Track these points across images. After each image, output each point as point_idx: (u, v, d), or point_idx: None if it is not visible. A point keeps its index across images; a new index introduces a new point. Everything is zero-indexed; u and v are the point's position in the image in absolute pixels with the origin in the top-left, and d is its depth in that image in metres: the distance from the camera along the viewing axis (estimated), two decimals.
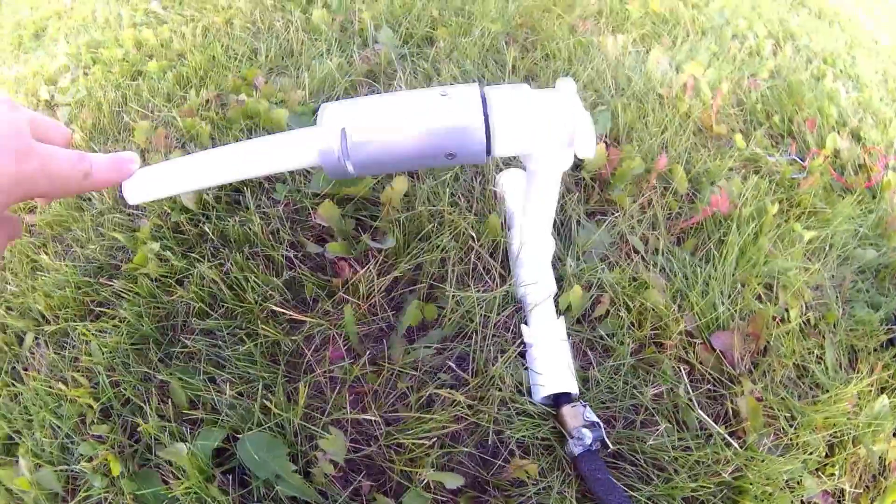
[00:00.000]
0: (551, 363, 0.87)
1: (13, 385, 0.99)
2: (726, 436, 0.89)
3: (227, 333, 0.92)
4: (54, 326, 1.03)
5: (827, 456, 0.99)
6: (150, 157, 1.23)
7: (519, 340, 0.92)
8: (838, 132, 1.86)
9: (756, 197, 1.32)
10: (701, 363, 0.98)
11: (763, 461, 0.88)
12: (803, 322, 1.16)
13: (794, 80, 2.03)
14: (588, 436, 0.80)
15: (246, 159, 0.63)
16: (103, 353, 0.95)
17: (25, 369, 1.01)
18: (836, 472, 0.97)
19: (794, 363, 1.06)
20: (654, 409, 0.91)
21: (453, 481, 0.78)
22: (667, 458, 0.86)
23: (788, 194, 1.46)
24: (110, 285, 1.04)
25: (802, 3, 3.83)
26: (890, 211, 1.64)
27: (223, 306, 0.95)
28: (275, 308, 0.92)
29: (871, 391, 1.08)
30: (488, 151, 0.63)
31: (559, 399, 0.85)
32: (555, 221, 1.11)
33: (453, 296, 0.92)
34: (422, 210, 1.00)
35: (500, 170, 1.15)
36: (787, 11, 3.23)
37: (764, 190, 1.37)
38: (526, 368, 0.89)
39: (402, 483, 0.80)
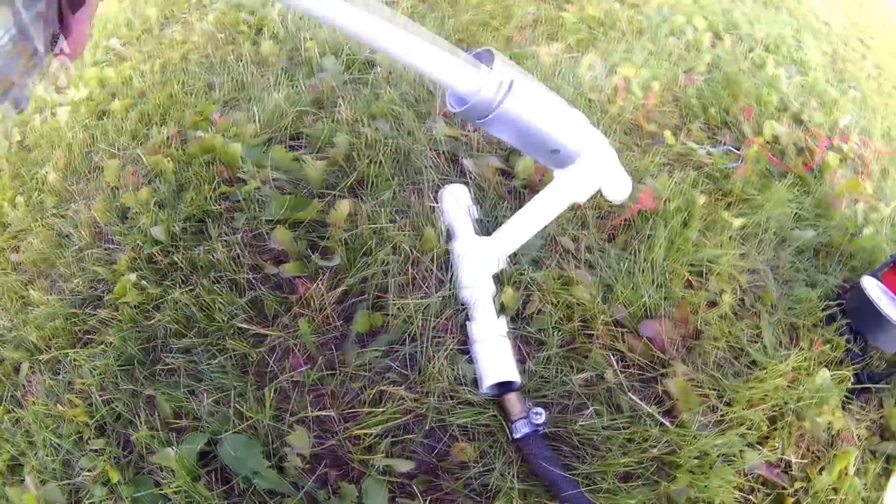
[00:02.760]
0: (495, 356, 1.01)
1: (14, 411, 1.12)
2: (656, 415, 1.03)
3: (202, 350, 1.06)
4: (48, 355, 1.16)
5: (769, 429, 1.11)
6: (121, 195, 1.35)
7: (459, 339, 1.06)
8: (778, 118, 1.98)
9: (683, 190, 1.45)
10: (630, 350, 1.11)
11: (695, 437, 1.01)
12: (738, 304, 1.29)
13: (731, 71, 2.14)
14: (537, 418, 0.94)
15: (412, 48, 0.76)
16: (94, 376, 1.08)
17: (24, 396, 1.14)
18: (779, 445, 1.09)
19: (728, 344, 1.19)
20: (585, 394, 1.04)
21: (404, 465, 0.93)
22: (598, 438, 0.99)
23: (720, 185, 1.59)
24: (95, 314, 1.17)
25: None
26: (830, 191, 1.74)
27: (196, 326, 1.09)
28: (241, 325, 1.05)
29: (811, 366, 1.21)
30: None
31: (503, 388, 0.99)
32: (487, 227, 1.25)
33: (394, 304, 1.06)
34: (364, 229, 1.14)
35: (439, 186, 1.28)
36: (731, 2, 3.36)
37: (690, 182, 1.50)
38: (470, 363, 1.03)
39: (361, 471, 0.95)
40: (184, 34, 1.98)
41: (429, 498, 0.91)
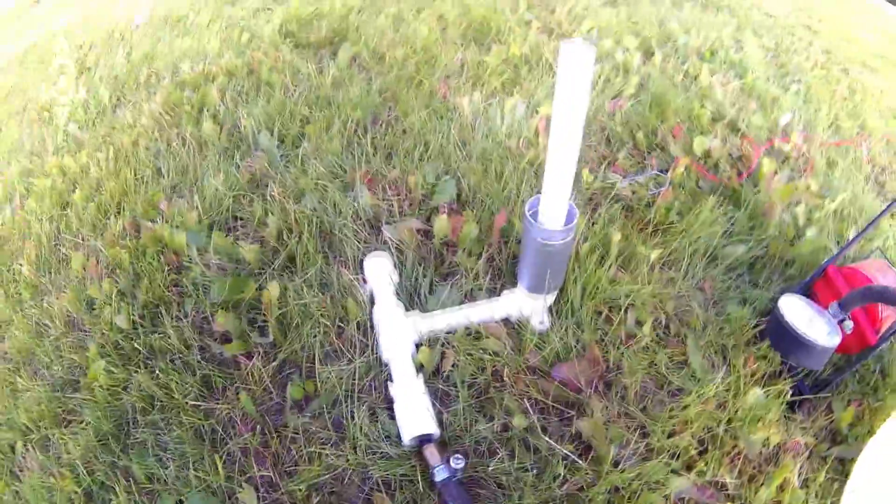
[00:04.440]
0: (413, 411, 1.22)
1: (13, 484, 1.37)
2: (568, 453, 1.19)
3: (164, 424, 1.31)
4: (38, 434, 1.40)
5: (699, 453, 1.22)
6: (87, 287, 1.59)
7: (383, 396, 1.30)
8: (712, 130, 2.07)
9: (597, 231, 1.58)
10: (545, 394, 1.29)
11: (607, 472, 1.15)
12: (664, 332, 1.42)
13: (660, 90, 2.24)
14: (457, 463, 1.15)
15: None
16: (78, 450, 1.32)
17: (21, 470, 1.38)
18: (710, 467, 1.19)
19: (651, 375, 1.32)
20: (499, 439, 1.23)
21: None
22: (508, 479, 1.18)
23: (642, 214, 1.71)
24: (74, 397, 1.42)
25: None
26: (766, 199, 1.80)
27: (159, 403, 1.34)
28: (194, 402, 1.30)
29: (742, 385, 1.31)
30: None
31: (424, 440, 1.21)
32: (408, 288, 1.49)
33: (322, 372, 1.31)
34: (293, 307, 1.39)
35: (364, 254, 1.52)
36: (668, 10, 3.46)
37: (606, 221, 1.62)
38: (392, 418, 1.26)
39: None
40: (134, 116, 2.22)
41: None
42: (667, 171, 1.89)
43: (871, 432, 1.30)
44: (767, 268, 1.68)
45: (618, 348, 1.36)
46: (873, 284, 1.24)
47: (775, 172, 1.95)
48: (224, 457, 1.25)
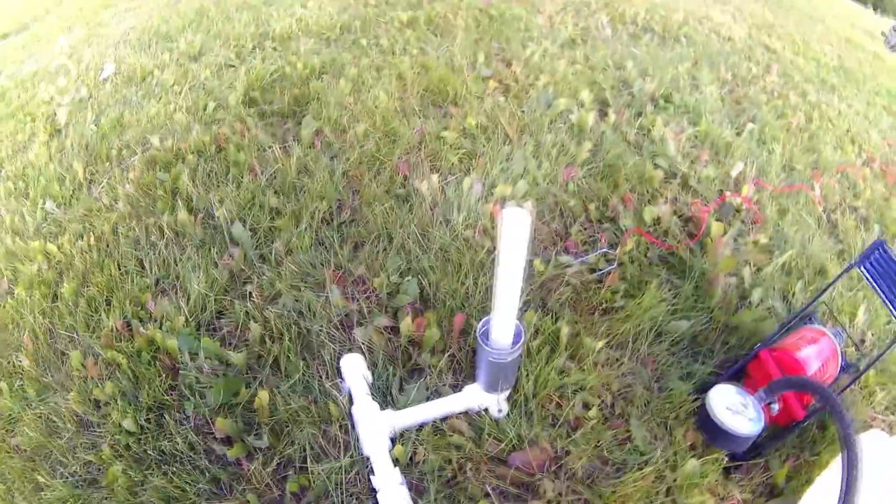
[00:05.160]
0: (394, 499, 1.48)
1: None
2: None
3: None
4: None
5: None
6: (89, 387, 1.82)
7: (368, 486, 1.58)
8: (661, 194, 2.24)
9: (546, 326, 1.82)
10: (503, 479, 1.57)
11: None
12: (609, 412, 1.68)
13: (612, 156, 2.39)
14: None
15: None
16: None
17: None
18: None
19: (597, 454, 1.58)
20: None
21: None
22: None
23: (591, 298, 1.95)
24: (96, 495, 1.67)
25: (646, 29, 4.17)
26: (711, 268, 2.00)
27: (183, 500, 1.60)
28: (207, 501, 1.58)
29: (680, 456, 1.52)
30: None
31: None
32: (380, 387, 1.76)
33: (312, 469, 1.60)
34: (282, 413, 1.67)
35: (339, 354, 1.79)
36: (627, 48, 3.60)
37: (553, 316, 1.85)
38: None
39: None
40: (109, 198, 2.40)
41: None
42: (616, 245, 2.13)
43: (808, 482, 1.55)
44: (709, 340, 1.90)
45: (567, 434, 1.65)
46: (795, 376, 1.42)
47: (725, 232, 2.19)
48: None
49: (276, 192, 2.28)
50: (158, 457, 1.68)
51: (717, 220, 2.27)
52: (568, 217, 2.28)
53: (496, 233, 2.03)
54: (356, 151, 2.44)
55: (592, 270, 2.09)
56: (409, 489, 1.55)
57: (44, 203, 2.50)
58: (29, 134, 3.06)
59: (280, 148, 2.46)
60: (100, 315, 2.00)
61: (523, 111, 2.70)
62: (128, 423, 1.72)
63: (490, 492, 1.57)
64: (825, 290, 1.82)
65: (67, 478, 1.71)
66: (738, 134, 2.87)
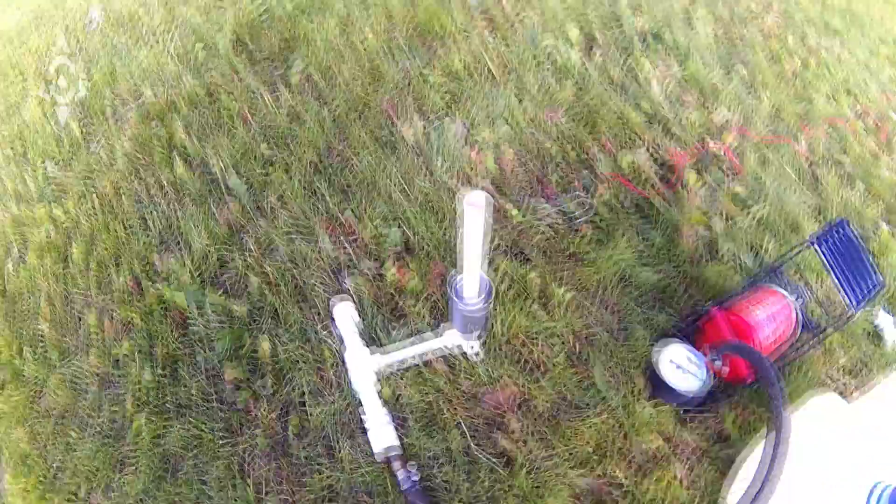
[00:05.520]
0: (380, 434, 1.65)
1: None
2: (492, 463, 1.64)
3: (202, 462, 1.74)
4: (97, 480, 1.83)
5: (599, 455, 1.60)
6: (109, 347, 1.96)
7: (358, 421, 1.72)
8: (642, 138, 2.22)
9: (524, 274, 1.90)
10: (476, 415, 1.72)
11: (528, 472, 1.61)
12: (575, 357, 1.79)
13: (594, 99, 2.34)
14: (414, 475, 1.61)
15: None
16: (137, 490, 1.75)
17: None
18: (607, 468, 1.57)
19: (563, 394, 1.72)
20: (442, 454, 1.67)
21: None
22: (451, 485, 1.64)
23: (564, 244, 2.00)
24: (123, 446, 1.83)
25: None
26: (683, 220, 2.02)
27: (194, 445, 1.76)
28: (222, 443, 1.73)
29: (637, 400, 1.70)
30: None
31: (389, 455, 1.65)
32: (368, 330, 1.86)
33: (311, 409, 1.73)
34: (283, 358, 1.79)
35: (330, 299, 1.89)
36: None
37: (526, 268, 1.92)
38: (367, 440, 1.69)
39: None
40: (108, 155, 2.46)
41: None
42: (593, 191, 2.15)
43: (756, 430, 1.69)
44: (675, 291, 1.95)
45: (534, 375, 1.77)
46: (739, 343, 1.47)
47: (702, 182, 2.19)
48: (251, 480, 1.70)
49: (267, 142, 2.31)
50: (176, 406, 1.82)
51: (696, 168, 2.25)
52: (548, 161, 2.27)
53: (476, 180, 2.12)
54: (343, 94, 2.43)
55: (567, 216, 2.12)
56: (394, 424, 1.70)
57: (44, 165, 2.57)
58: (21, 92, 3.09)
59: (270, 95, 2.46)
60: (110, 275, 2.12)
61: (509, 48, 2.61)
62: (146, 376, 1.88)
63: (464, 427, 1.71)
64: (780, 264, 1.86)
65: (95, 434, 1.89)
66: (728, 78, 2.73)
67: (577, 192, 2.14)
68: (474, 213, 1.18)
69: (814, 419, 1.36)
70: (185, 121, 2.47)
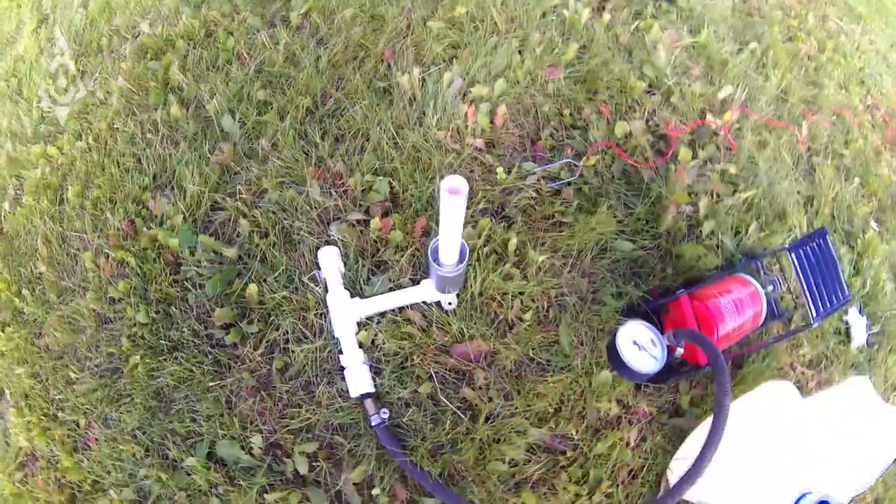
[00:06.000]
0: (356, 376, 1.78)
1: (83, 452, 1.93)
2: (455, 410, 1.78)
3: (192, 395, 1.86)
4: (96, 413, 1.94)
5: (555, 413, 1.76)
6: (105, 287, 2.03)
7: (337, 364, 1.84)
8: (640, 106, 2.20)
9: (502, 234, 1.95)
10: (445, 366, 1.84)
11: (489, 422, 1.75)
12: (543, 317, 1.88)
13: (597, 61, 2.29)
14: (384, 415, 1.74)
15: None
16: (133, 422, 1.87)
17: (87, 443, 1.94)
18: (560, 424, 1.75)
19: (527, 352, 1.83)
20: (411, 399, 1.80)
21: (310, 447, 1.77)
22: (416, 427, 1.78)
23: (547, 209, 2.03)
24: (119, 381, 1.93)
25: None
26: (667, 195, 2.02)
27: (186, 381, 1.87)
28: (211, 378, 1.83)
29: (597, 364, 1.82)
30: None
31: (364, 396, 1.77)
32: (350, 277, 1.93)
33: (293, 350, 1.83)
34: (269, 301, 1.86)
35: (318, 245, 1.94)
36: None
37: (504, 228, 1.97)
38: (343, 380, 1.80)
39: (290, 450, 1.78)
40: (104, 92, 2.48)
41: (327, 463, 1.77)
42: (583, 154, 2.15)
43: (709, 411, 1.80)
44: (649, 265, 1.99)
45: (503, 332, 1.87)
46: (697, 333, 1.50)
47: (694, 158, 2.18)
48: (237, 415, 1.82)
49: (263, 85, 2.31)
50: (169, 344, 1.92)
51: (691, 143, 2.22)
52: (542, 120, 2.25)
53: (466, 138, 2.14)
54: (343, 38, 2.40)
55: (554, 180, 2.13)
56: (370, 369, 1.81)
57: (39, 102, 2.59)
58: (16, 23, 3.08)
59: (268, 35, 2.44)
60: (105, 216, 2.17)
61: (515, 2, 2.54)
62: (141, 317, 1.96)
63: (434, 375, 1.82)
64: (756, 259, 1.92)
65: (93, 370, 2.00)
66: (739, 52, 2.65)
67: (567, 157, 2.14)
68: (454, 200, 1.23)
69: (765, 402, 1.42)
70: (180, 57, 2.46)
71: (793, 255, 1.59)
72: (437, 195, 1.63)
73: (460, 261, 1.59)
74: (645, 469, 1.82)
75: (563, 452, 1.79)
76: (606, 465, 1.78)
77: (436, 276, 1.67)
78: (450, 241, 1.45)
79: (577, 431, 1.79)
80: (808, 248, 1.61)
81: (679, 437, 1.82)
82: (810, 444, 1.61)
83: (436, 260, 1.61)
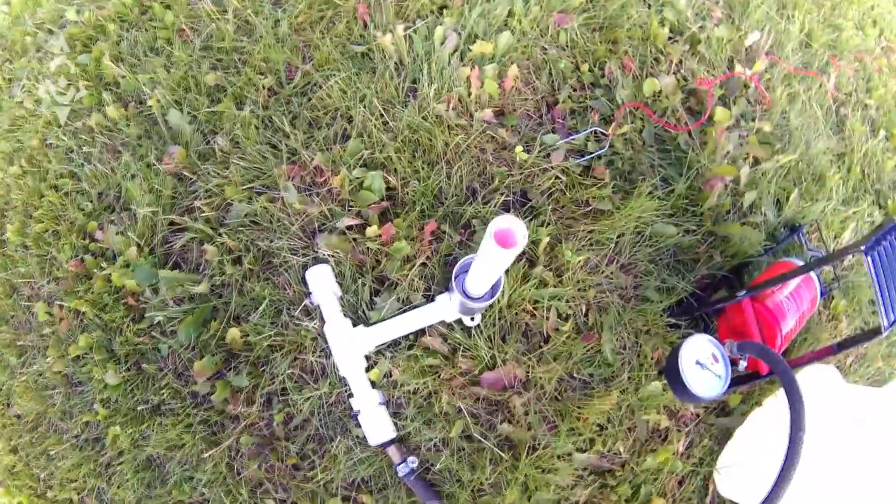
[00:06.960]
0: (373, 422, 1.47)
1: None
2: (494, 448, 1.49)
3: (187, 462, 1.59)
4: (87, 488, 1.68)
5: (602, 429, 1.52)
6: (65, 345, 1.71)
7: (348, 407, 1.53)
8: (666, 55, 1.90)
9: (531, 232, 1.61)
10: (476, 398, 1.53)
11: (536, 454, 1.48)
12: (582, 323, 1.59)
13: (614, 5, 1.94)
14: (412, 464, 1.45)
15: None
16: (131, 496, 1.60)
17: None
18: (608, 443, 1.50)
19: (568, 367, 1.54)
20: (441, 441, 1.51)
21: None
22: (452, 474, 1.50)
23: (576, 194, 1.69)
24: (104, 452, 1.64)
25: None
26: (707, 169, 1.73)
27: (177, 447, 1.59)
28: (204, 442, 1.54)
29: (645, 374, 1.55)
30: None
31: (385, 444, 1.48)
32: (350, 301, 1.59)
33: (293, 398, 1.54)
34: (255, 341, 1.53)
35: (304, 266, 1.58)
36: None
37: (534, 226, 1.64)
38: (359, 426, 1.49)
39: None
40: (33, 101, 2.09)
41: None
42: (609, 121, 1.80)
43: (758, 404, 1.61)
44: (694, 251, 1.72)
45: (538, 346, 1.57)
46: (768, 350, 1.24)
47: (731, 119, 1.86)
48: (242, 481, 1.55)
49: (212, 66, 1.90)
50: (148, 408, 1.62)
51: (722, 98, 1.94)
52: (558, 79, 1.87)
53: (473, 110, 1.75)
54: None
55: (580, 154, 1.77)
56: (388, 406, 1.53)
57: None
58: None
59: (213, 1, 1.99)
60: (51, 254, 1.83)
61: None
62: (110, 377, 1.66)
63: (463, 410, 1.51)
64: (792, 234, 1.76)
65: (73, 442, 1.72)
66: None
67: (594, 124, 1.79)
68: (506, 254, 1.02)
69: (808, 392, 1.15)
70: (113, 47, 2.05)
71: (869, 258, 1.28)
72: (481, 236, 1.36)
73: (492, 294, 1.32)
74: (693, 474, 1.62)
75: (612, 472, 1.55)
76: (658, 480, 1.57)
77: (460, 301, 1.37)
78: (486, 279, 1.21)
79: (624, 448, 1.55)
80: (882, 247, 1.31)
81: (726, 436, 1.64)
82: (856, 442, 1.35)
83: (461, 286, 1.32)
